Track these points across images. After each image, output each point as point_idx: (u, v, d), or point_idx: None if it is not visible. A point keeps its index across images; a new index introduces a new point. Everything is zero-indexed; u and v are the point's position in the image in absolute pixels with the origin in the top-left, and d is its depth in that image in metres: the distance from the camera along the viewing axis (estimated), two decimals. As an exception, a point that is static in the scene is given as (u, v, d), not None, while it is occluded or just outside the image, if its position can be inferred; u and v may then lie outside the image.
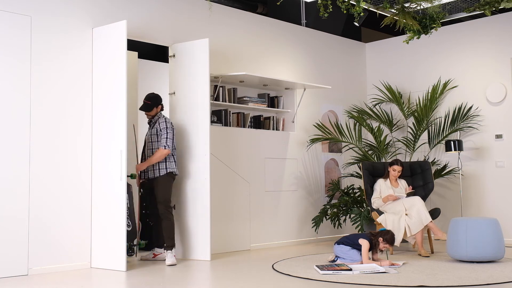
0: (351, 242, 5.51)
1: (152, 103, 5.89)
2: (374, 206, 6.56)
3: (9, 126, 5.08)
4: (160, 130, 5.81)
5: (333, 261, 5.55)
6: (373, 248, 5.47)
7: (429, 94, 7.84)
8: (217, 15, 6.90)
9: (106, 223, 5.43)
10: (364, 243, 5.41)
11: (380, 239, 5.45)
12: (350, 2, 6.30)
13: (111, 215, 5.37)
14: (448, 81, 7.94)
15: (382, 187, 6.59)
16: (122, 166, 5.32)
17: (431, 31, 6.73)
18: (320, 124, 7.86)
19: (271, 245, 7.21)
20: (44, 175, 5.27)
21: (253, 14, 7.60)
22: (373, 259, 5.46)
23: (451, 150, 7.32)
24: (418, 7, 6.57)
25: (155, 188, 5.86)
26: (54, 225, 5.30)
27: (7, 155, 5.05)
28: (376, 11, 6.96)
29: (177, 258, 5.92)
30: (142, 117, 6.84)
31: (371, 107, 8.27)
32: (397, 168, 6.58)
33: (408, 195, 6.43)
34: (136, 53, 6.87)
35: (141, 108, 5.92)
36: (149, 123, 6.02)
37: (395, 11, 6.64)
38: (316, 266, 5.21)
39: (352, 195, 7.53)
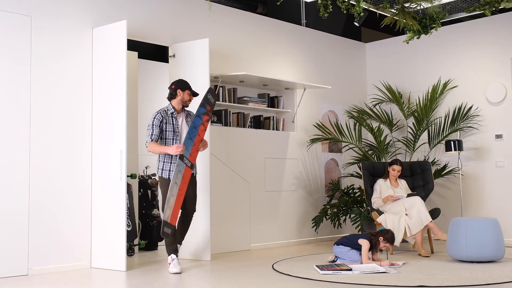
0: (351, 242, 5.50)
1: None
2: (374, 206, 6.56)
3: (9, 125, 5.08)
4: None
5: (333, 261, 5.54)
6: (373, 248, 5.47)
7: (429, 94, 7.84)
8: (217, 15, 6.89)
9: (106, 223, 5.42)
10: (364, 243, 5.41)
11: (381, 238, 5.45)
12: (350, 2, 6.29)
13: (111, 215, 5.37)
14: (448, 81, 7.93)
15: (382, 187, 6.59)
16: (122, 166, 5.32)
17: (431, 31, 6.74)
18: (320, 124, 7.86)
19: (271, 245, 7.21)
20: (44, 175, 5.27)
21: (253, 14, 7.60)
22: (373, 259, 5.46)
23: (451, 150, 7.31)
24: (418, 7, 6.56)
25: (194, 187, 5.47)
26: (54, 225, 5.30)
27: (6, 155, 5.05)
28: (376, 11, 6.96)
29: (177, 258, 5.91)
30: (143, 117, 6.84)
31: (371, 107, 8.27)
32: (397, 167, 6.59)
33: (409, 195, 6.42)
34: (136, 53, 6.87)
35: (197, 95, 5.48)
36: (175, 112, 5.42)
37: (395, 11, 6.64)
38: (316, 266, 5.21)
39: (352, 195, 7.53)
